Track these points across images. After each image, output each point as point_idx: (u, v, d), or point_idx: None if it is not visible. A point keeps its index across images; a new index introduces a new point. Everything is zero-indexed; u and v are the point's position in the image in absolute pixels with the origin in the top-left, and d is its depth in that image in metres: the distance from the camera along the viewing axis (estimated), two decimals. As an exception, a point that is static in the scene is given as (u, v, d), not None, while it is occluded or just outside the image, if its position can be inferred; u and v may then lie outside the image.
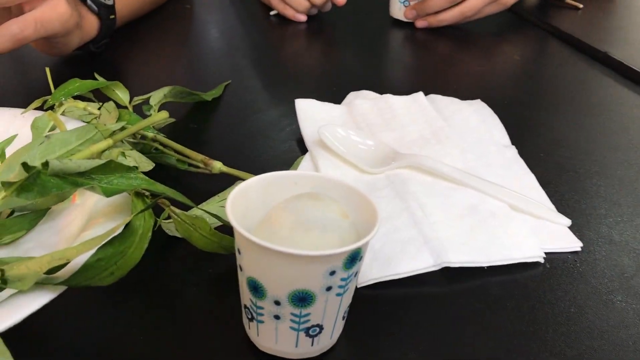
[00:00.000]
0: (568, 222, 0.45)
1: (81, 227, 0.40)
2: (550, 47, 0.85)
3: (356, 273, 0.32)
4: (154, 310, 0.37)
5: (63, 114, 0.51)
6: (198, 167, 0.47)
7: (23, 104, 0.52)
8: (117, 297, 0.37)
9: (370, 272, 0.39)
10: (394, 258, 0.40)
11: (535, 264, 0.42)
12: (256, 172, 0.47)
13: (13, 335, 0.30)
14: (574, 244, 0.43)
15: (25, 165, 0.34)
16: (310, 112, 0.57)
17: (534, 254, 0.41)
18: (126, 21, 0.79)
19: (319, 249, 0.30)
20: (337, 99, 0.62)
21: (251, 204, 0.35)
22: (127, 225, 0.34)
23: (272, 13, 0.91)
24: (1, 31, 0.54)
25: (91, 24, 0.68)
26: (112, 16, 0.70)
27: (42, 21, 0.56)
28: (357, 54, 0.80)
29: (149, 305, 0.37)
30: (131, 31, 0.81)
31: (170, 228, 0.41)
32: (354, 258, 0.31)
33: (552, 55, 0.83)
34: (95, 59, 0.72)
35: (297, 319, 0.31)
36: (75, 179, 0.36)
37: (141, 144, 0.49)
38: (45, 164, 0.35)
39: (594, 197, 0.50)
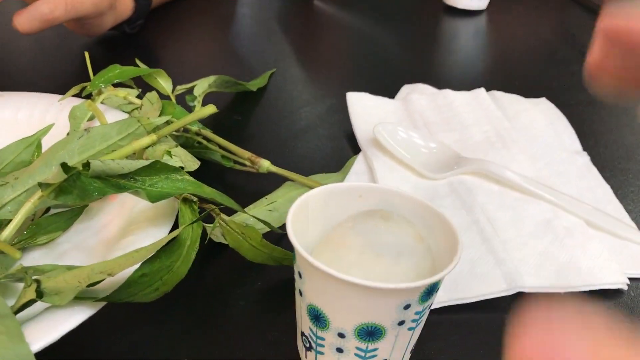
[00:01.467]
0: None
1: (121, 229, 0.37)
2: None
3: (430, 305, 0.28)
4: (198, 328, 0.34)
5: (102, 102, 0.47)
6: (244, 164, 0.44)
7: (60, 89, 0.49)
8: (158, 314, 0.34)
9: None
10: (462, 280, 0.36)
11: (618, 292, 0.37)
12: (305, 172, 0.44)
13: (47, 355, 0.27)
14: None
15: (64, 165, 0.31)
16: (363, 108, 0.53)
17: (617, 280, 0.37)
18: (161, 3, 0.76)
19: (392, 278, 0.26)
20: (389, 91, 0.58)
21: (311, 218, 0.31)
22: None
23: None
24: (31, 11, 0.52)
25: (126, 4, 0.65)
26: None
27: (73, 2, 0.54)
28: (408, 43, 0.76)
29: (192, 322, 0.34)
30: (171, 15, 0.77)
31: (215, 234, 0.38)
32: (431, 291, 0.27)
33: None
34: (135, 44, 0.69)
35: (362, 354, 0.28)
36: (118, 182, 0.33)
37: (183, 137, 0.46)
38: (86, 165, 0.31)
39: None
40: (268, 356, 0.32)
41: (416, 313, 0.27)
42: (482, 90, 0.56)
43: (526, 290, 0.36)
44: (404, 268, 0.27)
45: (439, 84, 0.59)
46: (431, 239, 0.30)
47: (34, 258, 0.37)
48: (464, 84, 0.59)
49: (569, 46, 0.78)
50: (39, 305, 0.30)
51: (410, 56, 0.72)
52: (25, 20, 0.52)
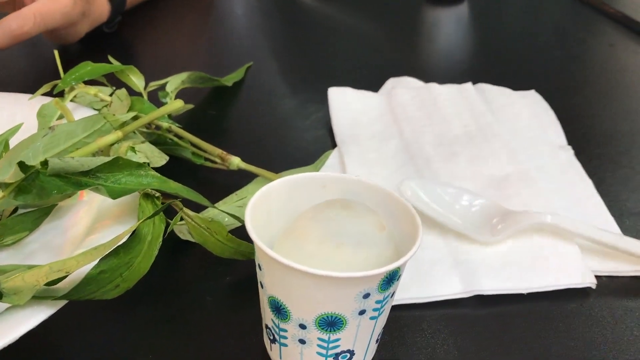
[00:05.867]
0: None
1: (88, 228, 0.37)
2: (599, 27, 0.78)
3: (393, 294, 0.28)
4: (164, 324, 0.33)
5: (73, 100, 0.47)
6: (215, 161, 0.43)
7: (31, 88, 0.48)
8: (122, 310, 0.34)
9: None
10: (419, 280, 0.35)
11: (584, 290, 0.37)
12: (278, 166, 0.43)
13: (7, 356, 0.26)
14: (636, 266, 0.37)
15: (22, 164, 0.31)
16: (344, 102, 0.52)
17: (584, 280, 0.36)
18: (141, 1, 0.75)
19: (352, 267, 0.26)
20: (372, 84, 0.57)
21: (274, 210, 0.31)
22: (133, 232, 0.30)
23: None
24: (0, 27, 0.51)
25: (101, 9, 0.64)
26: None
27: (42, 14, 0.53)
28: (391, 35, 0.75)
29: (158, 318, 0.34)
30: (147, 10, 0.76)
31: (182, 231, 0.38)
32: (391, 279, 0.26)
33: (602, 36, 0.76)
34: (108, 40, 0.68)
35: (325, 344, 0.28)
36: (79, 179, 0.32)
37: (155, 135, 0.45)
38: (45, 163, 0.31)
39: (653, 197, 0.45)
40: (235, 351, 0.32)
41: (377, 302, 0.27)
42: (469, 84, 0.55)
43: (484, 293, 0.35)
44: (364, 257, 0.27)
45: (424, 75, 0.59)
46: (394, 228, 0.29)
47: (1, 258, 0.37)
48: (449, 74, 0.59)
49: (550, 32, 0.78)
50: (1, 307, 0.29)
51: (393, 48, 0.71)
52: None
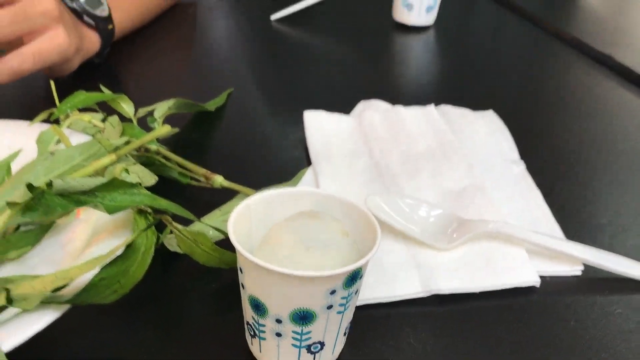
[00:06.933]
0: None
1: (85, 243, 0.41)
2: (556, 51, 0.85)
3: (357, 291, 0.32)
4: (157, 327, 0.37)
5: (68, 126, 0.51)
6: (200, 180, 0.48)
7: (26, 115, 0.52)
8: (119, 315, 0.38)
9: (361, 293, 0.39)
10: (383, 282, 0.40)
11: (530, 289, 0.41)
12: (258, 183, 0.47)
13: (18, 355, 0.30)
14: (575, 267, 0.42)
15: (29, 186, 0.35)
16: (318, 124, 0.57)
17: (530, 279, 0.41)
18: (127, 32, 0.79)
19: (320, 268, 0.30)
20: (345, 106, 0.62)
21: (253, 222, 0.35)
22: (129, 244, 0.35)
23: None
24: (1, 65, 0.55)
25: (92, 40, 0.68)
26: (110, 26, 0.70)
27: (40, 54, 0.57)
28: (363, 59, 0.80)
29: (152, 322, 0.38)
30: (132, 38, 0.81)
31: (172, 243, 0.42)
32: (354, 277, 0.31)
33: (555, 58, 0.83)
34: (98, 69, 0.72)
35: (298, 337, 0.32)
36: (79, 198, 0.36)
37: (145, 157, 0.49)
38: (50, 184, 0.35)
39: (595, 205, 0.50)
40: (221, 348, 0.36)
41: (342, 298, 0.31)
42: (432, 106, 0.60)
43: (441, 292, 0.40)
44: (330, 259, 0.31)
45: (393, 97, 0.64)
46: (357, 235, 0.34)
47: (7, 272, 0.40)
48: (416, 97, 0.64)
49: (510, 56, 0.84)
50: (11, 313, 0.33)
51: (364, 72, 0.76)
52: None
